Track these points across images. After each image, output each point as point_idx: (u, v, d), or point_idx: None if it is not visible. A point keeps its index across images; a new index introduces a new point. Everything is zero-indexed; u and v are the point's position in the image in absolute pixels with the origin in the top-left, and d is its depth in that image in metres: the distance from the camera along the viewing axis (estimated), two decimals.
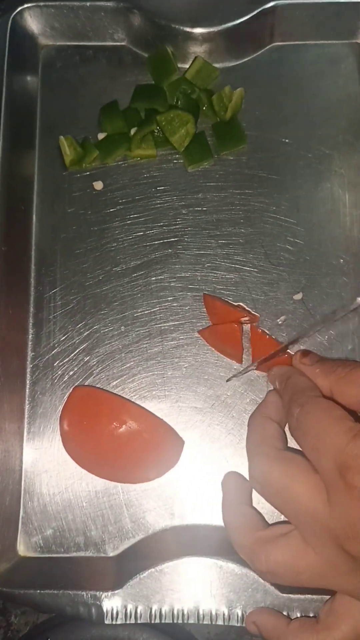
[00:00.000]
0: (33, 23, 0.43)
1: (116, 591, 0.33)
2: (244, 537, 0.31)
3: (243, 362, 0.38)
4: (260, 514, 0.33)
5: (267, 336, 0.38)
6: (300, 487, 0.28)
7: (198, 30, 0.41)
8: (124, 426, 0.36)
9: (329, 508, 0.27)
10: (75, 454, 0.37)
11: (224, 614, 0.33)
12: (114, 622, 0.33)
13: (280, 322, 0.38)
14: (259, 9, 0.41)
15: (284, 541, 0.29)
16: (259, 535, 0.30)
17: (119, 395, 0.38)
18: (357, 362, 0.34)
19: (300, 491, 0.28)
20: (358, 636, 0.29)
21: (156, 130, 0.41)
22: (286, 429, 0.33)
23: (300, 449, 0.30)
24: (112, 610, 0.33)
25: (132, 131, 0.42)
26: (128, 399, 0.38)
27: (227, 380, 0.38)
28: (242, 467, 0.37)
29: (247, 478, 0.33)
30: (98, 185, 0.41)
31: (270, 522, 0.33)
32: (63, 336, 0.39)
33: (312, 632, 0.29)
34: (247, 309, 0.39)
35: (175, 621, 0.33)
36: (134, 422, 0.36)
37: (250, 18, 0.41)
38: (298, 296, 0.39)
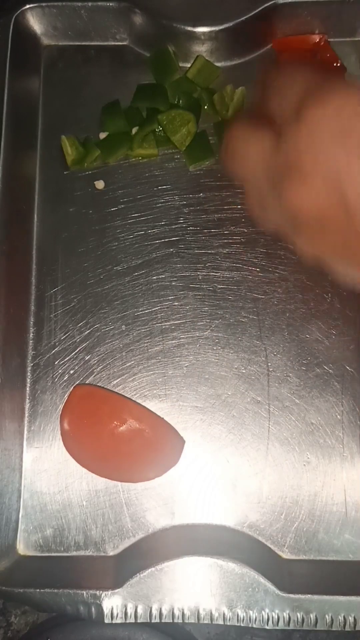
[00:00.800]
0: (35, 23, 0.43)
1: (116, 590, 0.33)
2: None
3: None
4: None
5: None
6: (253, 136, 0.27)
7: (199, 30, 0.41)
8: (124, 425, 0.36)
9: (274, 150, 0.26)
10: (75, 452, 0.37)
11: (224, 614, 0.33)
12: (113, 622, 0.33)
13: None
14: (261, 8, 0.41)
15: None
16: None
17: (120, 394, 0.38)
18: None
19: (252, 139, 0.27)
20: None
21: (158, 130, 0.41)
22: None
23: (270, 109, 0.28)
24: (112, 609, 0.33)
25: (134, 130, 0.42)
26: (129, 398, 0.38)
27: None
28: (243, 467, 0.37)
29: None
30: (99, 184, 0.41)
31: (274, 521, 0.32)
32: (64, 335, 0.39)
33: None
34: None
35: (175, 621, 0.33)
36: (135, 420, 0.36)
37: (251, 17, 0.41)
38: None
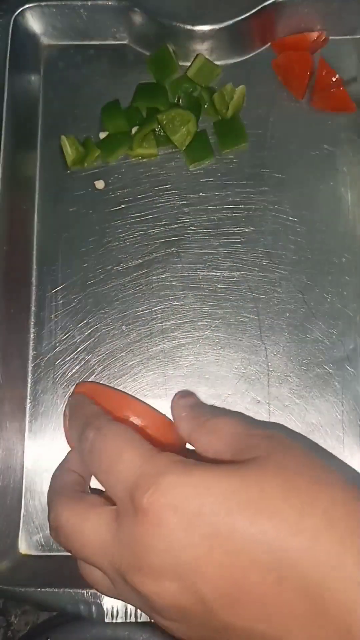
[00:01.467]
0: (35, 23, 0.43)
1: None
2: (55, 488, 0.30)
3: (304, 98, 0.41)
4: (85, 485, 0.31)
5: (335, 78, 0.40)
6: (87, 526, 0.26)
7: (199, 28, 0.41)
8: (126, 422, 0.36)
9: (116, 538, 0.24)
10: None
11: None
12: (114, 621, 0.33)
13: None
14: (261, 6, 0.40)
15: (93, 512, 0.27)
16: (71, 495, 0.29)
17: (122, 391, 0.38)
18: (226, 411, 0.33)
19: (87, 530, 0.26)
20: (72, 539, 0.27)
21: (157, 129, 0.41)
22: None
23: (93, 475, 0.28)
24: (113, 608, 0.34)
25: (134, 130, 0.42)
26: (131, 395, 0.38)
27: None
28: None
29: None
30: (99, 184, 0.41)
31: None
32: (64, 335, 0.39)
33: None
34: None
35: None
36: (137, 417, 0.36)
37: (251, 15, 0.40)
38: None
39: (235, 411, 0.37)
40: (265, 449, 0.25)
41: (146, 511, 0.23)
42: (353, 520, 0.22)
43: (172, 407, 0.34)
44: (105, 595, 0.28)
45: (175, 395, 0.34)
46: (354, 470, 0.25)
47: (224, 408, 0.38)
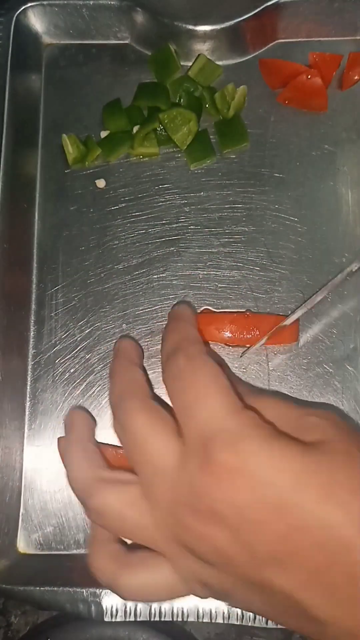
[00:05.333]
0: (36, 22, 0.43)
1: None
2: (83, 471, 0.30)
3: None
4: (102, 454, 0.32)
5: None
6: (157, 442, 0.27)
7: (201, 28, 0.41)
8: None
9: (178, 471, 0.26)
10: None
11: (223, 612, 0.33)
12: (113, 620, 0.33)
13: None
14: (262, 6, 0.40)
15: (121, 487, 0.28)
16: (99, 473, 0.29)
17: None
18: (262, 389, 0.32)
19: (155, 445, 0.27)
20: (144, 591, 0.28)
21: (159, 129, 0.41)
22: None
23: (170, 400, 0.28)
24: (112, 607, 0.33)
25: (135, 129, 0.42)
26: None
27: (240, 356, 0.38)
28: None
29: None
30: (100, 183, 0.41)
31: None
32: (64, 333, 0.39)
33: (114, 561, 0.29)
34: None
35: (175, 619, 0.33)
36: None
37: (253, 15, 0.41)
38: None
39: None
40: (327, 432, 0.26)
41: (218, 466, 0.24)
42: None
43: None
44: (122, 535, 0.29)
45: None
46: None
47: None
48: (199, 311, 0.39)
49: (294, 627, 0.26)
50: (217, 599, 0.28)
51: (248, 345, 0.37)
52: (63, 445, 0.33)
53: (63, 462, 0.32)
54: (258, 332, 0.37)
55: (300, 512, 0.23)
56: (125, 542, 0.30)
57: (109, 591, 0.33)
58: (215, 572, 0.26)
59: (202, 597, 0.28)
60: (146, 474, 0.27)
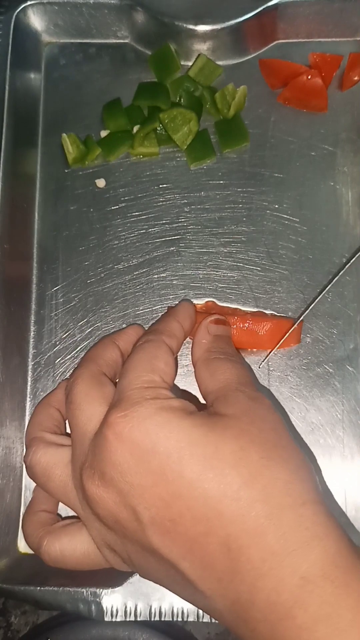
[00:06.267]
0: (36, 20, 0.43)
1: (116, 589, 0.33)
2: (32, 430, 0.33)
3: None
4: (62, 420, 0.34)
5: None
6: (86, 409, 0.29)
7: (201, 28, 0.41)
8: None
9: (93, 436, 0.28)
10: None
11: None
12: (113, 620, 0.33)
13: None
14: (263, 7, 0.40)
15: (55, 449, 0.30)
16: (42, 435, 0.32)
17: None
18: (239, 360, 0.33)
19: (84, 413, 0.29)
20: (63, 557, 0.30)
21: (159, 128, 0.41)
22: None
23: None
24: (112, 607, 0.33)
25: (135, 129, 0.42)
26: None
27: (259, 366, 0.38)
28: None
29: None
30: (100, 182, 0.41)
31: None
32: (65, 333, 0.39)
33: (40, 527, 0.31)
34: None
35: (174, 619, 0.33)
36: None
37: (253, 15, 0.41)
38: None
39: (248, 365, 0.38)
40: (241, 408, 0.27)
41: (110, 429, 0.26)
42: (286, 497, 0.24)
43: (200, 326, 0.34)
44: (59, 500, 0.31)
45: (210, 317, 0.35)
46: (309, 465, 0.26)
47: (241, 356, 0.37)
48: (203, 302, 0.39)
49: (191, 601, 0.27)
50: (125, 568, 0.29)
51: (250, 349, 0.38)
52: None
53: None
54: (265, 332, 0.37)
55: (181, 481, 0.24)
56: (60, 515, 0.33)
57: (109, 591, 0.33)
58: (115, 536, 0.27)
59: (115, 566, 0.29)
60: (74, 437, 0.29)
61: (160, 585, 0.28)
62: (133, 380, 0.28)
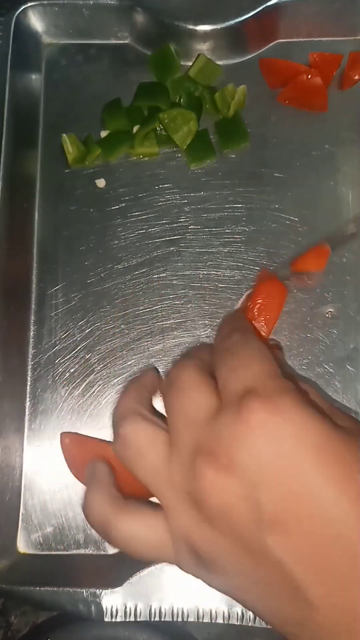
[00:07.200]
0: (37, 21, 0.43)
1: (116, 589, 0.33)
2: (129, 403, 0.30)
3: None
4: (154, 407, 0.32)
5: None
6: (195, 395, 0.27)
7: (201, 28, 0.41)
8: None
9: (208, 423, 0.26)
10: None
11: (223, 613, 0.33)
12: (113, 620, 0.33)
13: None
14: (262, 6, 0.40)
15: (153, 427, 0.28)
16: (140, 410, 0.29)
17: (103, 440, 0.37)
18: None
19: (192, 397, 0.27)
20: (132, 541, 0.27)
21: (159, 128, 0.41)
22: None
23: (215, 371, 0.28)
24: (112, 608, 0.33)
25: (135, 129, 0.42)
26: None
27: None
28: None
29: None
30: (100, 183, 0.41)
31: None
32: (64, 333, 0.39)
33: (110, 504, 0.28)
34: None
35: (175, 619, 0.33)
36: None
37: (253, 15, 0.41)
38: None
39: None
40: (352, 425, 0.26)
41: (252, 413, 0.24)
42: None
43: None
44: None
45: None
46: None
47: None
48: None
49: (273, 613, 0.25)
50: (196, 574, 0.27)
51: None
52: (67, 441, 0.35)
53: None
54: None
55: (315, 484, 0.23)
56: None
57: (109, 591, 0.33)
58: (211, 531, 0.25)
59: (183, 568, 0.27)
60: (178, 421, 0.27)
61: (231, 594, 0.26)
62: (261, 370, 0.26)
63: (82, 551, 0.36)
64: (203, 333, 0.39)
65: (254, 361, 0.27)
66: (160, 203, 0.41)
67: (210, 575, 0.26)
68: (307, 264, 0.37)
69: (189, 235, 0.40)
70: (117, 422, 0.29)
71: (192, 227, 0.40)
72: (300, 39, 0.43)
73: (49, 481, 0.37)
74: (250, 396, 0.25)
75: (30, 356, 0.39)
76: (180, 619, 0.33)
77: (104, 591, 0.33)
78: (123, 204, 0.41)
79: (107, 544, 0.36)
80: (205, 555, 0.26)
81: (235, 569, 0.25)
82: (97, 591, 0.33)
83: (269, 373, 0.26)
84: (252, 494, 0.23)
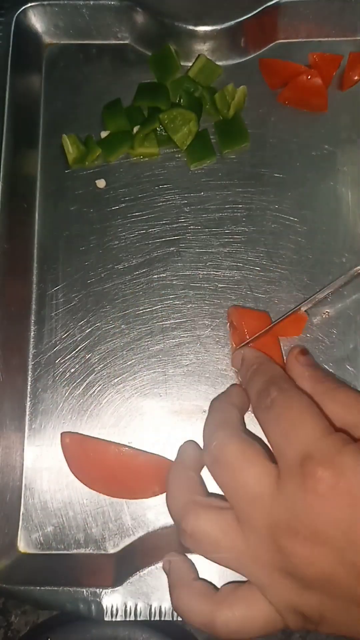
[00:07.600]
0: (37, 22, 0.43)
1: (116, 588, 0.34)
2: (181, 494, 0.30)
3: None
4: (204, 484, 0.32)
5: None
6: (251, 469, 0.27)
7: (201, 28, 0.41)
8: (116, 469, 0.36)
9: (275, 497, 0.26)
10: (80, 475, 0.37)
11: None
12: (113, 619, 0.33)
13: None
14: (262, 7, 0.41)
15: (217, 512, 0.28)
16: (196, 498, 0.29)
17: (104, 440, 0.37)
18: (346, 383, 0.33)
19: (250, 473, 0.27)
20: (243, 627, 0.27)
21: (159, 129, 0.41)
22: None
23: (263, 431, 0.29)
24: (112, 607, 0.33)
25: (135, 129, 0.42)
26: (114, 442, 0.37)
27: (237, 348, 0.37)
28: None
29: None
30: (101, 183, 0.41)
31: None
32: (65, 333, 0.39)
33: (205, 599, 0.28)
34: None
35: (174, 619, 0.33)
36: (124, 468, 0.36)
37: (253, 16, 0.41)
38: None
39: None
40: None
41: (318, 482, 0.24)
42: None
43: (289, 361, 0.34)
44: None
45: (293, 349, 0.34)
46: None
47: (343, 380, 0.37)
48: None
49: None
50: (307, 628, 0.28)
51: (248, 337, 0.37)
52: (67, 441, 0.35)
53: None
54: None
55: None
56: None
57: (109, 591, 0.33)
58: (314, 596, 0.26)
59: (293, 628, 0.28)
60: (241, 501, 0.27)
61: (346, 634, 0.27)
62: (312, 430, 0.26)
63: (82, 551, 0.36)
64: (203, 333, 0.39)
65: (301, 421, 0.27)
66: (160, 203, 0.41)
67: (319, 627, 0.27)
68: (286, 330, 0.37)
69: (189, 236, 0.40)
70: (177, 519, 0.29)
71: (192, 227, 0.41)
72: (300, 39, 0.43)
73: (49, 481, 0.37)
74: (310, 463, 0.25)
75: (31, 356, 0.39)
76: (180, 618, 0.33)
77: (104, 590, 0.34)
78: (123, 204, 0.41)
79: (107, 544, 0.36)
80: (314, 617, 0.26)
81: (346, 619, 0.26)
82: (97, 590, 0.34)
83: (320, 432, 0.26)
84: (345, 557, 0.24)
